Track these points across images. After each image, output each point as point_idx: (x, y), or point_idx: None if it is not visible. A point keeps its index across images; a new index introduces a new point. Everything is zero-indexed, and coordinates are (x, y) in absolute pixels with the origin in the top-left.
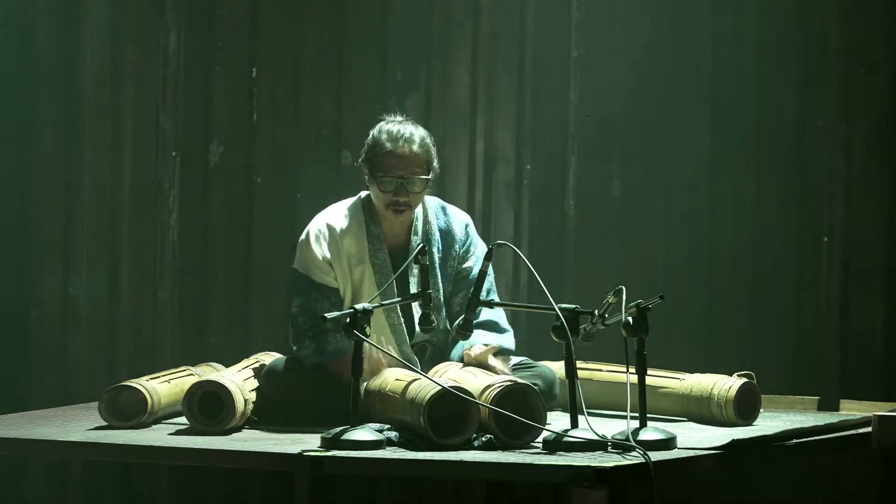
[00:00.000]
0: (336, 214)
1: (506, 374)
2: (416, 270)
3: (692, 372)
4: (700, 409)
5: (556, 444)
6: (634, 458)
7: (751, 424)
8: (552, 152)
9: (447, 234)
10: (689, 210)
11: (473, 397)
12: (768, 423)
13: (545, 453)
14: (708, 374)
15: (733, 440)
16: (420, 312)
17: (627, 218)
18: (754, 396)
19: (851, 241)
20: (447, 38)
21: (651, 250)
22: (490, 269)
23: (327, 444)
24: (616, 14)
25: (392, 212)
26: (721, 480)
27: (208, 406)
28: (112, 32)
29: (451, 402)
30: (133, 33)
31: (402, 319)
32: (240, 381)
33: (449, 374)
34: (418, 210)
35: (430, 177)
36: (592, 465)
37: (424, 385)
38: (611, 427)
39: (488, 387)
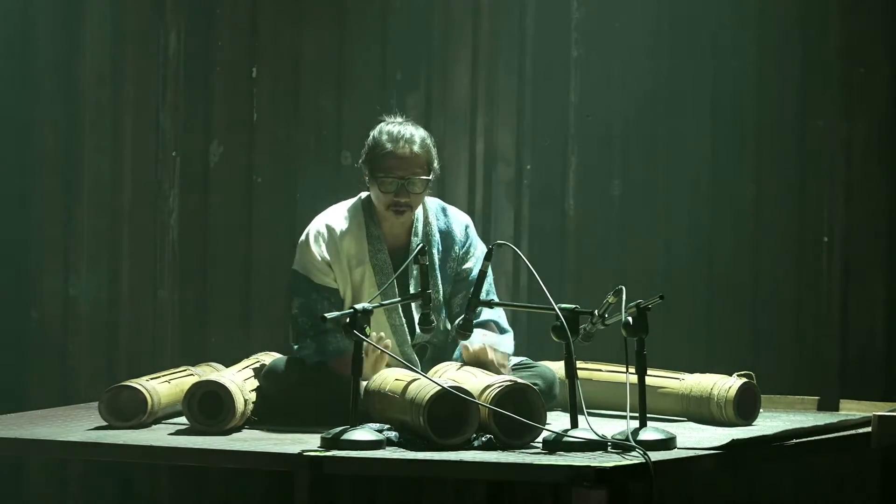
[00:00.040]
0: (336, 215)
1: (504, 365)
2: (415, 271)
3: (692, 372)
4: (700, 409)
5: (556, 444)
6: (634, 458)
7: (751, 424)
8: (552, 152)
9: (447, 236)
10: (689, 210)
11: (473, 397)
12: (768, 423)
13: (545, 453)
14: (708, 374)
15: (733, 440)
16: (420, 313)
17: (627, 218)
18: (754, 396)
19: (851, 241)
20: (447, 38)
21: (651, 250)
22: (489, 270)
23: (327, 444)
24: (616, 14)
25: (392, 213)
26: (721, 480)
27: (208, 406)
28: (112, 32)
29: (451, 402)
30: (133, 33)
31: (404, 320)
32: (240, 381)
33: (449, 374)
34: (418, 211)
35: (430, 177)
36: (592, 465)
37: (424, 385)
38: (611, 427)
39: (488, 387)
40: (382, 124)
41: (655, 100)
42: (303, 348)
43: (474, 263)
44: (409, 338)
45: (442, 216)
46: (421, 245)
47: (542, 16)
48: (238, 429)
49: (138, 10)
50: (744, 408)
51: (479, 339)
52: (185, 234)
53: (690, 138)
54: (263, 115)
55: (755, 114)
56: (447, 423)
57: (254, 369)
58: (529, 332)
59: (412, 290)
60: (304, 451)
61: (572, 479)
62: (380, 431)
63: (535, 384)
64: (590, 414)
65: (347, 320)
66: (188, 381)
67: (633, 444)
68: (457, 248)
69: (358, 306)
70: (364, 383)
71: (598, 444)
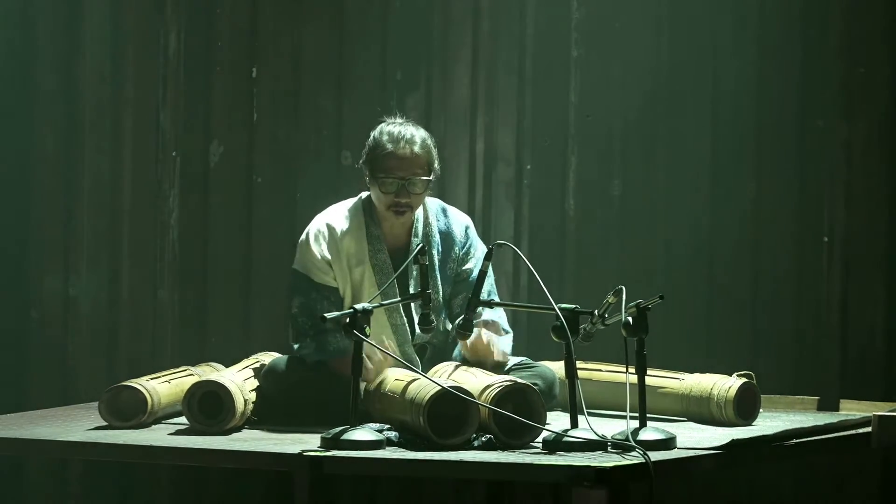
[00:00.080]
0: (336, 215)
1: (501, 364)
2: (415, 271)
3: (692, 372)
4: (700, 409)
5: (556, 444)
6: (634, 458)
7: (750, 424)
8: (552, 152)
9: (447, 236)
10: (689, 210)
11: (473, 397)
12: (768, 423)
13: (545, 453)
14: (708, 374)
15: (733, 440)
16: (420, 313)
17: (627, 218)
18: (754, 396)
19: (851, 241)
20: (447, 38)
21: (651, 250)
22: (490, 270)
23: (327, 444)
24: (616, 14)
25: (393, 213)
26: (721, 480)
27: (208, 406)
28: (112, 32)
29: (451, 402)
30: (133, 33)
31: (405, 319)
32: (240, 381)
33: (449, 374)
34: (419, 212)
35: (431, 178)
36: (592, 465)
37: (424, 385)
38: (611, 427)
39: (488, 387)
40: (383, 125)
41: (655, 100)
42: (303, 347)
43: (474, 264)
44: (409, 337)
45: (442, 217)
46: (421, 245)
47: (542, 16)
48: (238, 429)
49: (138, 10)
50: (744, 408)
51: (481, 334)
52: (185, 234)
53: (690, 138)
54: (263, 115)
55: (755, 114)
56: (447, 423)
57: (254, 369)
58: (529, 332)
59: (412, 291)
60: (304, 451)
61: (572, 479)
62: (380, 431)
63: (535, 384)
64: (590, 414)
65: (347, 320)
66: (188, 381)
67: (633, 444)
68: (457, 248)
69: (358, 306)
70: (365, 384)
71: (598, 444)
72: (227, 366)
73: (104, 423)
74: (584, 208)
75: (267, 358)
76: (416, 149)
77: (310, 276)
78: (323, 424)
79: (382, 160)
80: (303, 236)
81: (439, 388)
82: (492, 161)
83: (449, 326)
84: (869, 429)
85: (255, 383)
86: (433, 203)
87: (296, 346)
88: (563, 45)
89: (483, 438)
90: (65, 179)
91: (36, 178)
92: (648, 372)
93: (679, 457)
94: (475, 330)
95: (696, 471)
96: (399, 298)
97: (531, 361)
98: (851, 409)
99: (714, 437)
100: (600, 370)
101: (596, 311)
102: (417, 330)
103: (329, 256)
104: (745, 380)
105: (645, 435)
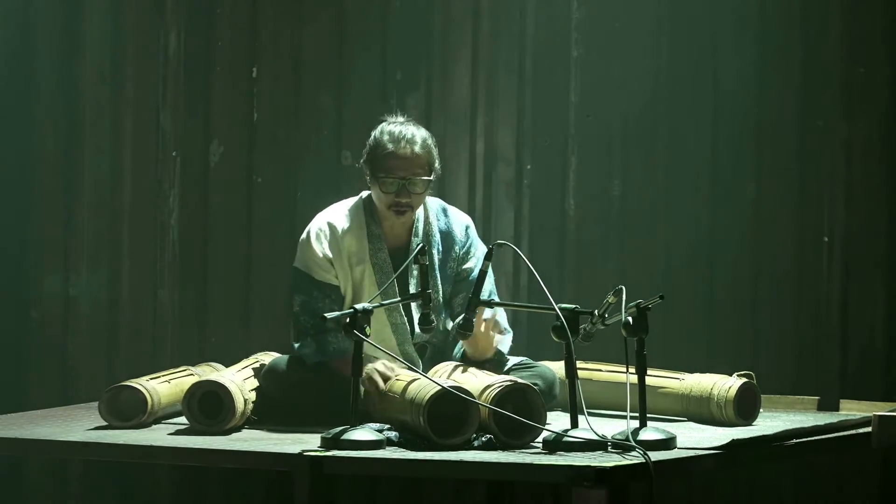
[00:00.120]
0: (337, 213)
1: (490, 328)
2: (415, 271)
3: (692, 372)
4: (700, 409)
5: (556, 444)
6: (634, 458)
7: (751, 424)
8: (552, 152)
9: (447, 236)
10: (689, 210)
11: (473, 397)
12: (768, 423)
13: (545, 453)
14: (708, 374)
15: (733, 440)
16: (420, 312)
17: (627, 218)
18: (754, 396)
19: (851, 241)
20: (447, 38)
21: (651, 250)
22: (490, 270)
23: (327, 443)
24: (616, 14)
25: (394, 213)
26: (721, 480)
27: (208, 406)
28: (112, 32)
29: (451, 402)
30: (133, 33)
31: (405, 318)
32: (240, 381)
33: (449, 374)
34: (419, 211)
35: (431, 178)
36: (592, 464)
37: (424, 385)
38: (611, 427)
39: (488, 387)
40: (384, 124)
41: (655, 100)
42: (303, 347)
43: (475, 263)
44: (409, 336)
45: (442, 216)
46: (421, 245)
47: (542, 16)
48: (238, 429)
49: (138, 10)
50: (744, 408)
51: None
52: (185, 234)
53: (690, 138)
54: (263, 115)
55: (755, 114)
56: (447, 423)
57: (254, 369)
58: (529, 332)
59: (412, 290)
60: (304, 450)
61: (572, 479)
62: (380, 431)
63: (535, 384)
64: (590, 414)
65: (347, 320)
66: (188, 381)
67: (634, 444)
68: (457, 248)
69: (358, 306)
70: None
71: (598, 444)
72: (227, 366)
73: (104, 423)
74: (584, 208)
75: (267, 358)
76: (417, 148)
77: (311, 274)
78: (323, 424)
79: (383, 160)
80: (304, 235)
81: (439, 388)
82: (492, 161)
83: (450, 326)
84: (869, 429)
85: (255, 383)
86: (433, 203)
87: (296, 346)
88: (563, 45)
89: (483, 438)
90: (65, 179)
91: (36, 178)
92: (648, 372)
93: (679, 457)
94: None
95: (696, 471)
96: (399, 298)
97: (531, 361)
98: (851, 409)
99: (714, 437)
100: (600, 370)
101: (596, 311)
102: (417, 329)
103: (330, 255)
104: (745, 380)
105: (645, 435)
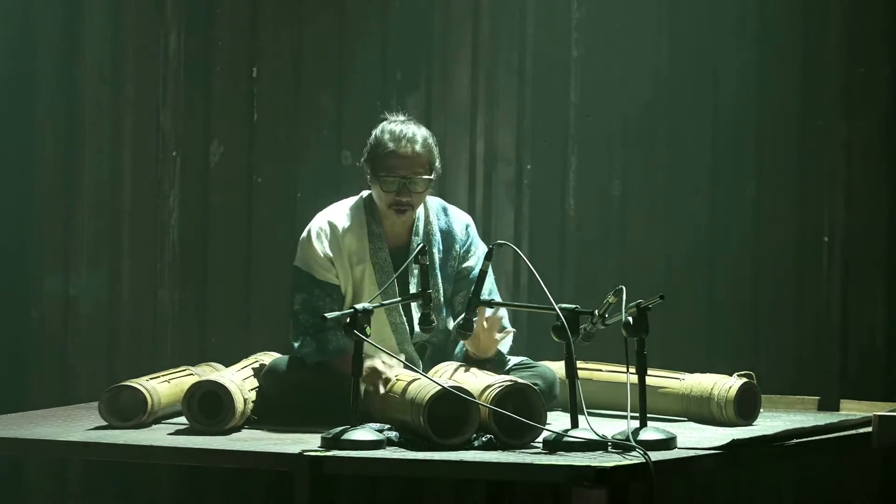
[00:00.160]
0: (338, 212)
1: (493, 326)
2: (416, 270)
3: (692, 372)
4: (700, 409)
5: (557, 444)
6: (634, 457)
7: (751, 424)
8: (552, 152)
9: (448, 235)
10: (689, 210)
11: (473, 397)
12: (768, 423)
13: (545, 453)
14: (708, 374)
15: (733, 440)
16: (420, 312)
17: (627, 218)
18: (754, 396)
19: (851, 241)
20: (447, 38)
21: (651, 250)
22: (490, 270)
23: (327, 443)
24: (616, 14)
25: (394, 212)
26: (721, 480)
27: (208, 406)
28: (112, 32)
29: (451, 402)
30: (133, 33)
31: (405, 318)
32: (239, 380)
33: (449, 374)
34: (420, 210)
35: (432, 177)
36: (592, 464)
37: (424, 385)
38: (611, 427)
39: (488, 387)
40: (385, 123)
41: (655, 100)
42: (303, 346)
43: (475, 261)
44: (409, 336)
45: (443, 215)
46: (421, 245)
47: (542, 16)
48: (238, 429)
49: (138, 10)
50: (744, 408)
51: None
52: (185, 234)
53: (690, 138)
54: (263, 115)
55: (755, 114)
56: (447, 423)
57: (253, 369)
58: (529, 332)
59: (413, 290)
60: (304, 450)
61: (573, 479)
62: (380, 431)
63: (535, 384)
64: (590, 414)
65: (348, 320)
66: (188, 381)
67: (634, 444)
68: (457, 246)
69: (358, 306)
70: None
71: (598, 444)
72: (227, 366)
73: (104, 423)
74: (584, 208)
75: (267, 358)
76: (418, 147)
77: (312, 273)
78: (323, 424)
79: (384, 159)
80: (304, 234)
81: (439, 388)
82: (492, 161)
83: (450, 325)
84: (869, 429)
85: (255, 383)
86: (434, 202)
87: (296, 345)
88: (563, 45)
89: (483, 438)
90: (65, 179)
91: (36, 178)
92: (649, 372)
93: (679, 457)
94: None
95: (696, 471)
96: (399, 298)
97: (531, 361)
98: (852, 409)
99: (714, 437)
100: (601, 370)
101: (596, 311)
102: (417, 328)
103: (331, 254)
104: (745, 380)
105: (645, 435)
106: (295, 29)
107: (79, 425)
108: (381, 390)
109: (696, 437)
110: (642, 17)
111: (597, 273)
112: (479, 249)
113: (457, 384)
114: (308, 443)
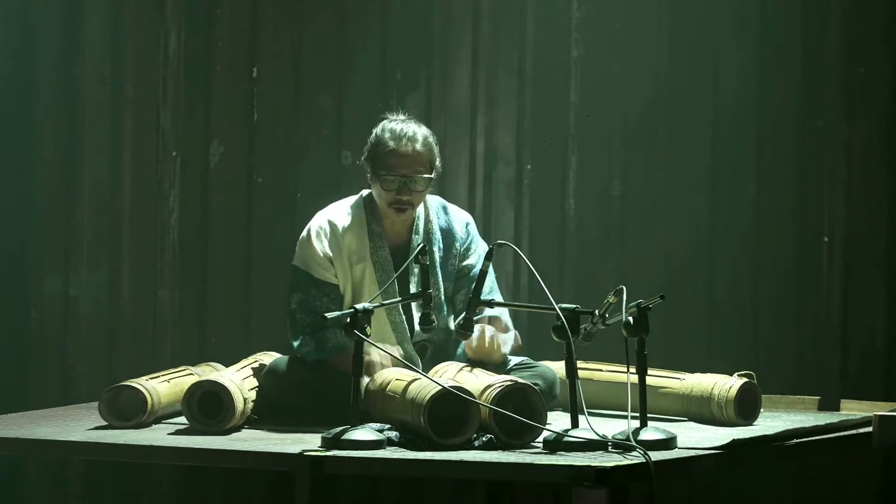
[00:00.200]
0: (338, 211)
1: (496, 339)
2: (416, 270)
3: (692, 372)
4: (700, 409)
5: (557, 444)
6: (635, 457)
7: (751, 424)
8: (552, 152)
9: (448, 233)
10: (689, 210)
11: (474, 397)
12: (769, 423)
13: (545, 453)
14: (708, 374)
15: (733, 440)
16: (420, 312)
17: (627, 218)
18: (755, 396)
19: (851, 241)
20: (447, 38)
21: (651, 250)
22: (491, 269)
23: (328, 443)
24: (616, 14)
25: (394, 210)
26: (721, 480)
27: (208, 406)
28: (112, 32)
29: (452, 402)
30: (133, 33)
31: (404, 317)
32: (239, 380)
33: (449, 374)
34: (420, 209)
35: (432, 176)
36: (593, 464)
37: (425, 385)
38: (611, 427)
39: (488, 387)
40: (385, 122)
41: (655, 100)
42: (302, 345)
43: (476, 259)
44: (409, 335)
45: (443, 214)
46: (422, 245)
47: (542, 16)
48: (238, 429)
49: (138, 10)
50: (744, 408)
51: (485, 331)
52: (185, 234)
53: (690, 138)
54: (263, 115)
55: (755, 114)
56: (448, 422)
57: (253, 369)
58: (530, 332)
59: (413, 289)
60: (304, 450)
61: (573, 479)
62: (380, 431)
63: (535, 384)
64: (590, 414)
65: (348, 320)
66: (188, 381)
67: (634, 443)
68: (458, 245)
69: (358, 306)
70: (365, 381)
71: (598, 444)
72: (227, 366)
73: (104, 423)
74: (584, 208)
75: (267, 358)
76: (418, 146)
77: (310, 272)
78: (323, 424)
79: (384, 157)
80: (304, 233)
81: (440, 387)
82: (492, 161)
83: (451, 324)
84: (869, 429)
85: (255, 383)
86: (434, 200)
87: (295, 344)
88: (563, 45)
89: (483, 438)
90: (65, 179)
91: (36, 178)
92: (649, 372)
93: (680, 457)
94: (477, 328)
95: (696, 471)
96: (400, 298)
97: (531, 361)
98: (852, 409)
99: (715, 436)
100: (601, 370)
101: (596, 311)
102: (417, 328)
103: (330, 253)
104: (745, 380)
105: (645, 435)
106: (295, 29)
107: (79, 425)
108: (375, 370)
109: (696, 437)
110: (642, 17)
111: (597, 273)
112: (480, 247)
113: (457, 384)
114: (308, 443)
